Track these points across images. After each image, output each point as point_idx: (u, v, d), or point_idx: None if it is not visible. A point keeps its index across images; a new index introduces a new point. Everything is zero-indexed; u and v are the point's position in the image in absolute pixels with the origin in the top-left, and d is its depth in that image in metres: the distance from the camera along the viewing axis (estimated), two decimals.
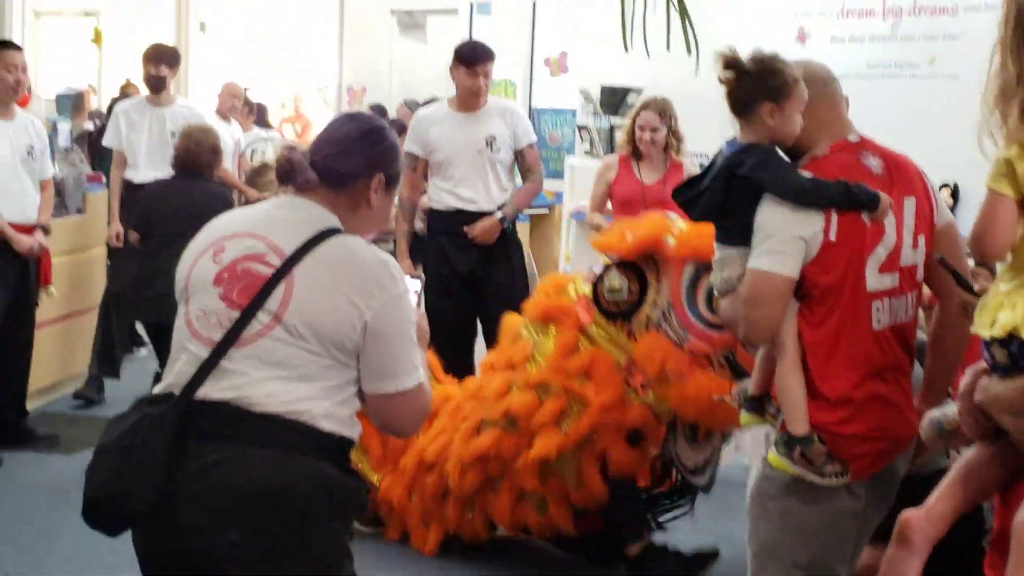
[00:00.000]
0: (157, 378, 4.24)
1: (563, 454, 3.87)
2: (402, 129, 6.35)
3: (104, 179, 7.16)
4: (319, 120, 12.73)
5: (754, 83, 2.66)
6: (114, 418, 2.42)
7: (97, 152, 8.12)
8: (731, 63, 2.67)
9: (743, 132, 2.71)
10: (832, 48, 7.65)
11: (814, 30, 7.96)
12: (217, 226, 2.55)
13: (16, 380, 5.84)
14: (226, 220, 2.57)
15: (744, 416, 2.86)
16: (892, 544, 2.21)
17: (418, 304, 2.72)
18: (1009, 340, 2.07)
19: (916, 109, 7.42)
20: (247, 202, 7.03)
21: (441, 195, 5.70)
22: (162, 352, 5.75)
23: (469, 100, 5.64)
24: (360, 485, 2.54)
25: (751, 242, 2.65)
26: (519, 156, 5.77)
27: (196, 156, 5.90)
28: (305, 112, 13.37)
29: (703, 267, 3.64)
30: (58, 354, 6.64)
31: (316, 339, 2.36)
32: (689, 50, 2.86)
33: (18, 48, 5.76)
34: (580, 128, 8.52)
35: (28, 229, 5.66)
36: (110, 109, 8.06)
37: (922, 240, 2.77)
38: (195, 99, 11.36)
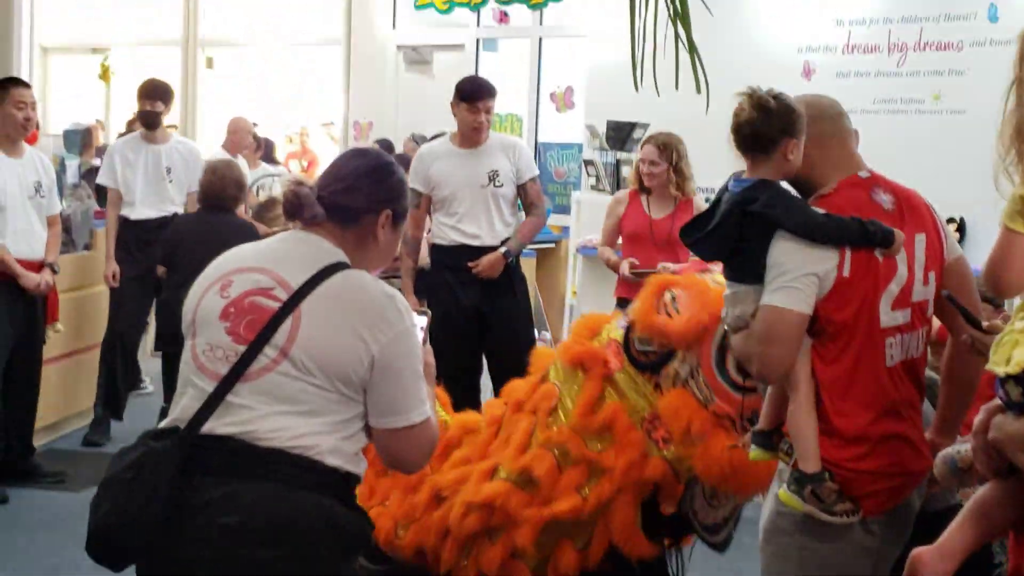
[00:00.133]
0: (163, 414, 4.22)
1: (579, 519, 3.78)
2: (409, 164, 6.36)
3: None
4: (325, 155, 12.78)
5: (779, 120, 2.66)
6: (119, 451, 2.41)
7: (103, 188, 8.15)
8: (762, 102, 2.67)
9: (757, 169, 2.69)
10: (837, 83, 7.66)
11: (820, 65, 7.98)
12: (224, 261, 2.55)
13: (23, 417, 5.83)
14: (233, 255, 2.57)
15: (754, 451, 2.84)
16: None
17: (425, 340, 2.71)
18: None
19: (922, 144, 7.43)
20: None
21: (445, 231, 5.71)
22: (171, 387, 5.75)
23: (471, 136, 5.65)
24: (365, 521, 2.52)
25: (763, 278, 2.64)
26: (522, 190, 5.77)
27: (221, 190, 5.97)
28: (311, 147, 13.42)
29: None
30: (65, 390, 6.64)
31: (323, 374, 2.35)
32: (699, 88, 2.85)
33: (27, 85, 5.79)
34: (586, 163, 8.54)
35: (36, 265, 5.67)
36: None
37: (932, 276, 2.76)
38: (203, 135, 11.43)
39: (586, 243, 8.00)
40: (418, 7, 10.42)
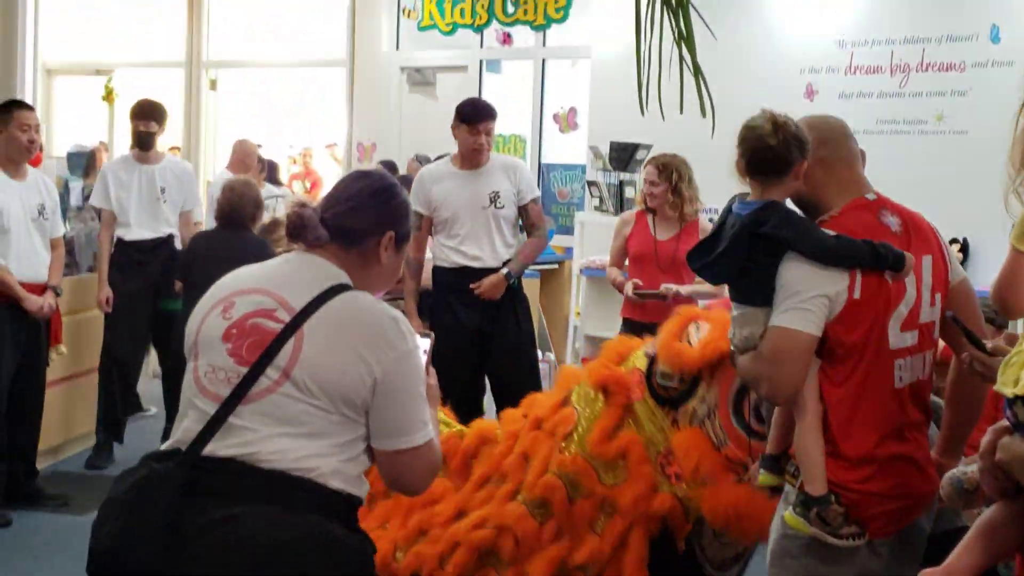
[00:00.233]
0: (166, 436, 4.20)
1: (597, 559, 3.75)
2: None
3: None
4: (329, 176, 12.81)
5: (797, 141, 2.66)
6: (121, 473, 2.41)
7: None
8: (782, 124, 2.66)
9: (768, 191, 2.68)
10: (840, 104, 7.68)
11: (823, 86, 8.00)
12: (227, 282, 2.55)
13: (27, 440, 5.82)
14: (236, 276, 2.57)
15: (763, 476, 2.83)
16: None
17: (429, 362, 2.70)
18: None
19: (924, 165, 7.45)
20: None
21: (446, 252, 5.70)
22: (173, 408, 5.75)
23: (471, 157, 5.65)
24: (367, 544, 2.51)
25: (771, 300, 2.63)
26: (523, 211, 5.77)
27: (239, 208, 5.97)
28: (315, 168, 13.45)
29: None
30: (68, 413, 6.63)
31: (325, 395, 2.35)
32: (704, 112, 2.84)
33: (30, 108, 5.79)
34: (590, 184, 8.54)
35: (39, 288, 5.67)
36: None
37: (938, 297, 2.77)
38: (206, 156, 11.45)
39: (590, 264, 8.00)
40: (421, 28, 10.44)
